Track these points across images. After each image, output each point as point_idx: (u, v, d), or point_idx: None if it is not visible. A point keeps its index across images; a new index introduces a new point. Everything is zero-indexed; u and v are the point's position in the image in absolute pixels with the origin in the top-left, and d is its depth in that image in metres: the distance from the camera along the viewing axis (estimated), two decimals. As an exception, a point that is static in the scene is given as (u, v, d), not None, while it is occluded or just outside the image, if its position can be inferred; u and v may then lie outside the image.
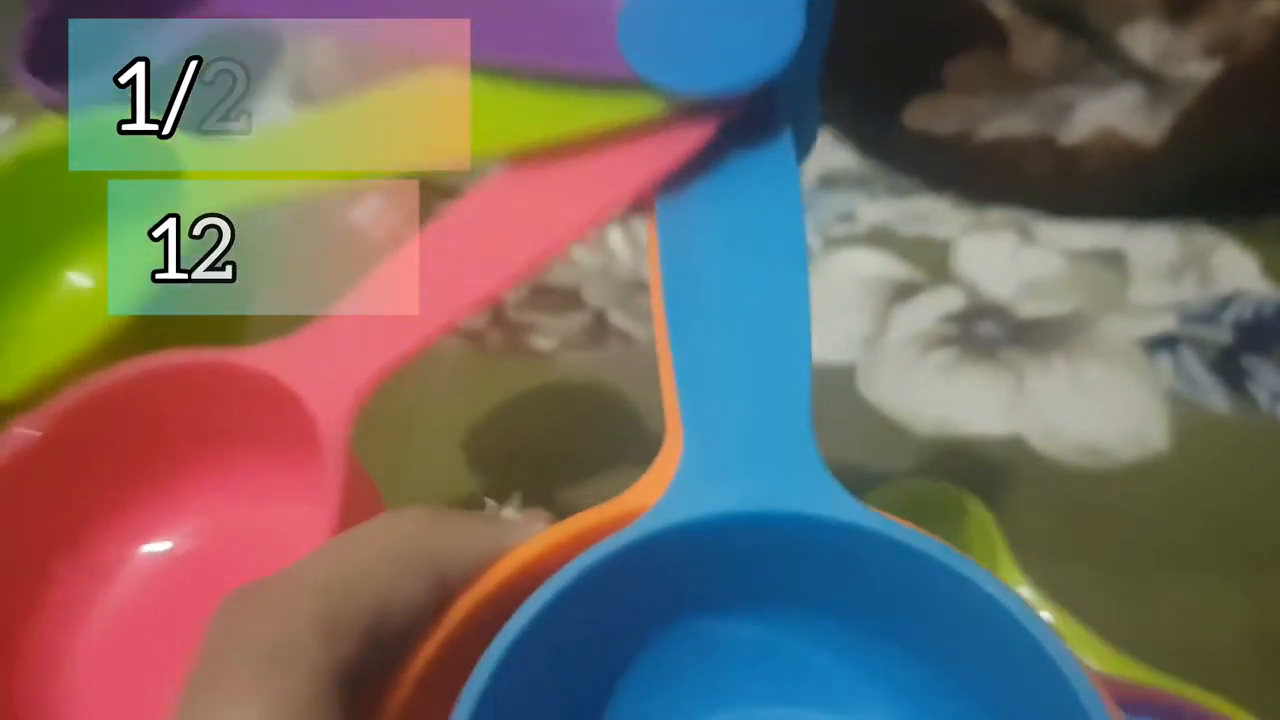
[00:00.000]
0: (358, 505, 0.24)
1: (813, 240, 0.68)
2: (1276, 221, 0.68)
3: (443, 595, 0.21)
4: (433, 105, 0.25)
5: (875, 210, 0.71)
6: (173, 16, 0.33)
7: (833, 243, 0.67)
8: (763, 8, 0.23)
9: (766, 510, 0.19)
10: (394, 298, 0.25)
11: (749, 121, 0.24)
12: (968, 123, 0.79)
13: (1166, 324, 0.58)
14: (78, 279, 0.33)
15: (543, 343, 0.60)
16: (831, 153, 0.79)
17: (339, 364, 0.25)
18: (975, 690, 0.20)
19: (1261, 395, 0.54)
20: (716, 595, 0.20)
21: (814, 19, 0.24)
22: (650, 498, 0.20)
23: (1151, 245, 0.66)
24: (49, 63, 0.32)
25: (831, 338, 0.60)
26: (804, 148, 0.26)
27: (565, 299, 0.63)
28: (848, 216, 0.71)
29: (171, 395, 0.27)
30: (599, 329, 0.61)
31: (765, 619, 0.21)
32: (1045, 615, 0.41)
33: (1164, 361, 0.56)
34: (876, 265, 0.65)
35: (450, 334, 0.61)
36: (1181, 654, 0.40)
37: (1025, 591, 0.41)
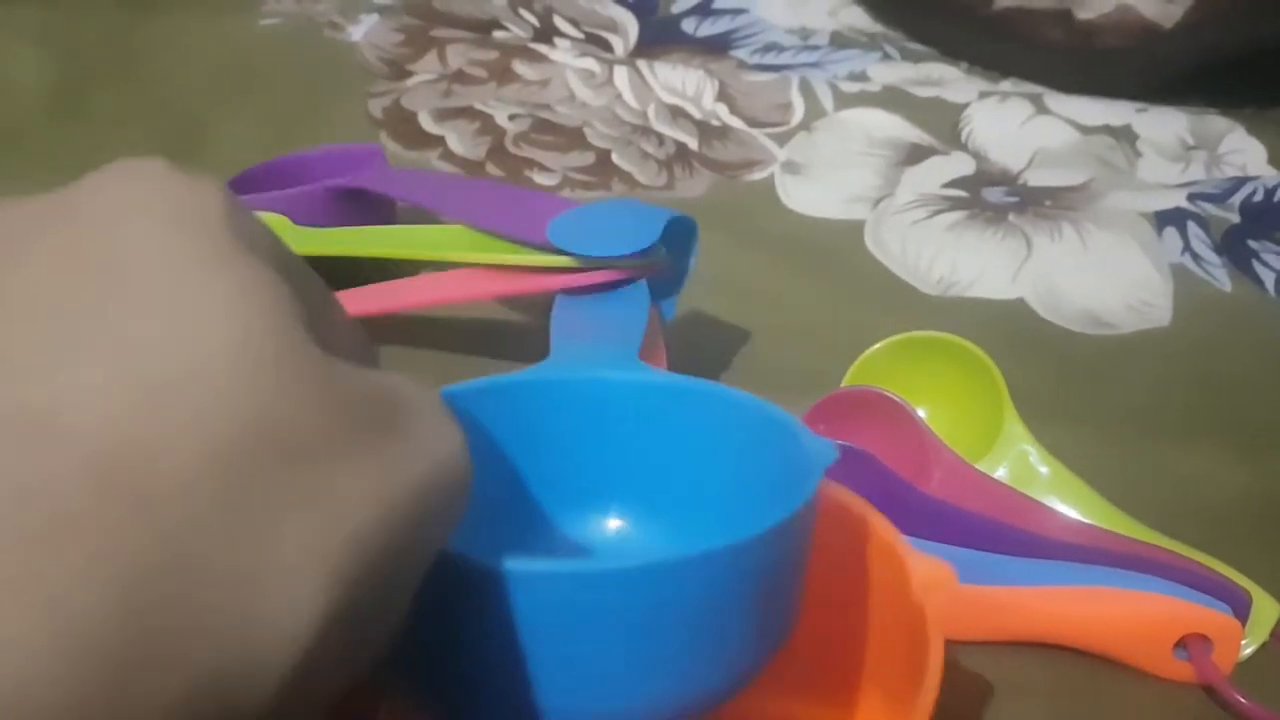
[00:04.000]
0: None
1: (824, 96, 0.66)
2: (1287, 111, 0.67)
3: None
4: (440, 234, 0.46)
5: (888, 72, 0.69)
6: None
7: (844, 100, 0.66)
8: (634, 228, 0.40)
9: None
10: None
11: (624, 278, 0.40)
12: (985, -10, 0.76)
13: (1176, 200, 0.58)
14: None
15: (543, 179, 0.59)
16: (844, 12, 0.77)
17: None
18: (719, 474, 0.29)
19: (1267, 276, 0.54)
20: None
21: (673, 249, 0.42)
22: None
23: (1162, 125, 0.65)
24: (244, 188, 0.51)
25: (841, 194, 0.59)
26: (670, 304, 0.44)
27: (568, 137, 0.62)
28: (860, 76, 0.69)
29: None
30: (602, 169, 0.60)
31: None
32: (1045, 469, 0.41)
33: (1172, 237, 0.56)
34: (888, 126, 0.64)
35: (446, 163, 0.60)
36: (1177, 514, 0.40)
37: (1028, 446, 0.42)
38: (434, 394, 0.20)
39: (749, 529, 0.23)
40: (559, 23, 0.73)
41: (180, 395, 0.15)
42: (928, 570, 0.28)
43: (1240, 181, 0.60)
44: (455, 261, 0.43)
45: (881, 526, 0.29)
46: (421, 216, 0.48)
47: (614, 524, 0.31)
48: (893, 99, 0.66)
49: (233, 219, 0.17)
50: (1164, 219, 0.57)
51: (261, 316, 0.16)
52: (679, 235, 0.42)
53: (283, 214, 0.46)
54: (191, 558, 0.14)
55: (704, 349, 0.48)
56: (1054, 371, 0.48)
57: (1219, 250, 0.55)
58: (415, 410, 0.19)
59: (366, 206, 0.50)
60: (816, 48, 0.72)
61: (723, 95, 0.66)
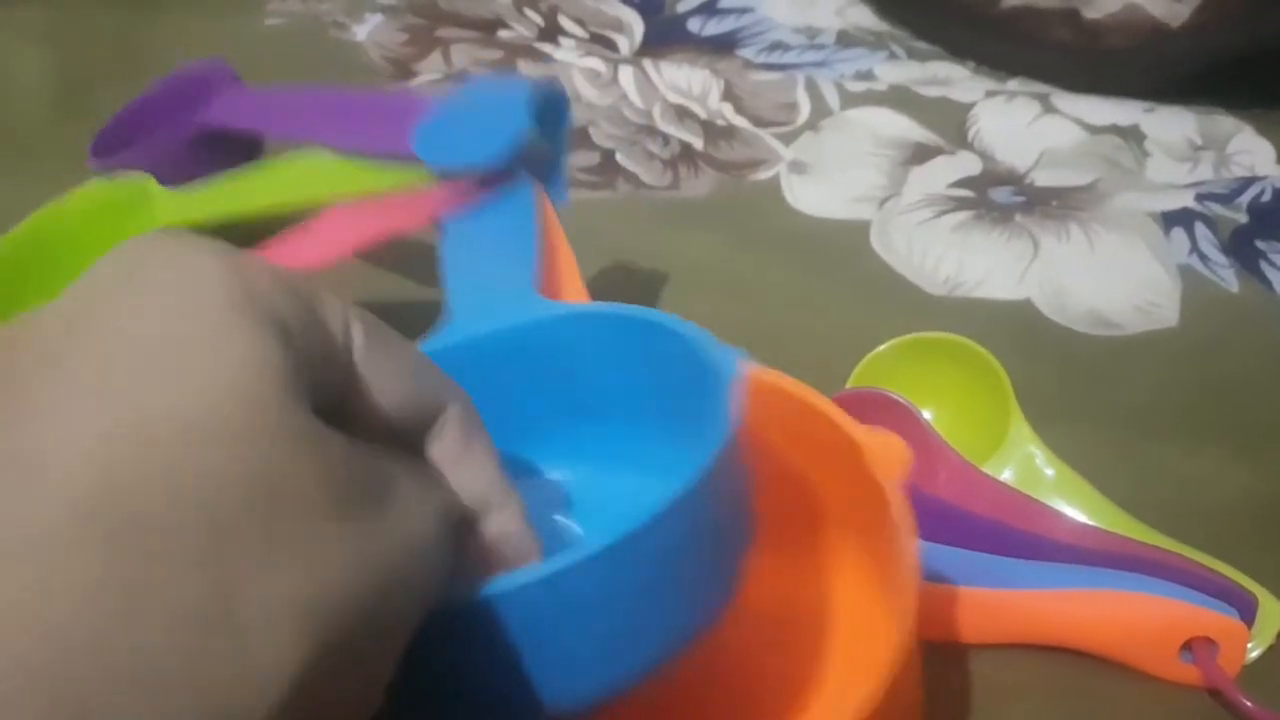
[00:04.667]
0: None
1: (830, 96, 0.66)
2: (1295, 112, 0.67)
3: None
4: (306, 171, 0.42)
5: (895, 71, 0.69)
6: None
7: (850, 99, 0.66)
8: (497, 125, 0.38)
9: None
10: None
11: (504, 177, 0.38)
12: (992, -11, 0.76)
13: (1183, 201, 0.58)
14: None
15: (549, 179, 0.59)
16: (850, 11, 0.77)
17: None
18: (653, 405, 0.29)
19: (1274, 276, 0.53)
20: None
21: (546, 126, 0.39)
22: None
23: (1170, 125, 0.65)
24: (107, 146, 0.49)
25: (846, 194, 0.58)
26: (558, 187, 0.41)
27: (574, 136, 0.61)
28: (866, 75, 0.69)
29: None
30: (607, 168, 0.60)
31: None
32: (1050, 471, 0.41)
33: (1179, 237, 0.55)
34: (894, 125, 0.64)
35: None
36: (1182, 516, 0.40)
37: (1034, 448, 0.42)
38: (423, 469, 0.21)
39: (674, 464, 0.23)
40: (564, 22, 0.73)
41: (167, 450, 0.15)
42: (878, 443, 0.30)
43: (1248, 182, 0.59)
44: (327, 199, 0.40)
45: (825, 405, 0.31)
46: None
47: (554, 475, 0.31)
48: (899, 98, 0.66)
49: (234, 286, 0.18)
50: (1171, 219, 0.56)
51: (253, 382, 0.17)
52: (549, 111, 0.40)
53: (147, 172, 0.44)
54: (173, 604, 0.15)
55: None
56: (1060, 372, 0.48)
57: (1226, 251, 0.55)
58: (399, 489, 0.19)
59: (230, 144, 0.47)
60: (823, 47, 0.72)
61: (728, 94, 0.66)
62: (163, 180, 0.44)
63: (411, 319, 0.42)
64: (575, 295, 0.37)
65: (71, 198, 0.45)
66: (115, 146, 0.49)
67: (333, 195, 0.40)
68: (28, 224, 0.44)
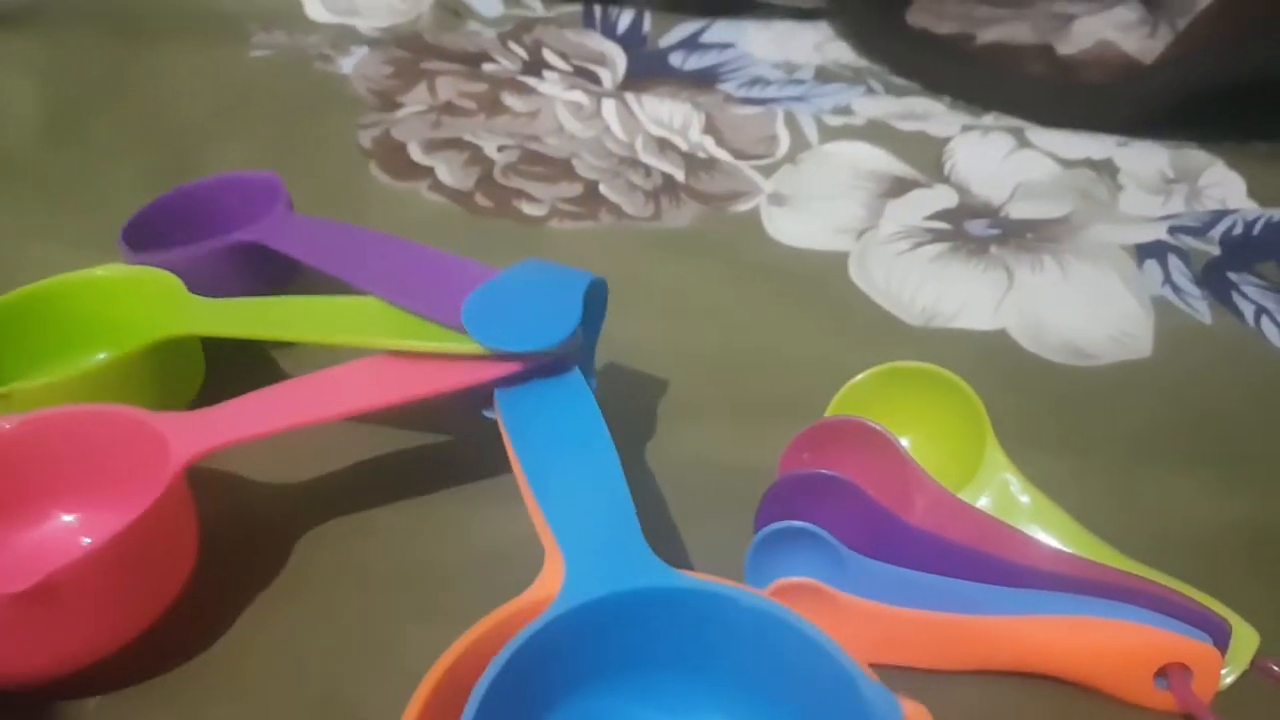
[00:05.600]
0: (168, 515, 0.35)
1: (809, 129, 0.67)
2: (1265, 145, 0.68)
3: None
4: (353, 314, 0.42)
5: (873, 105, 0.70)
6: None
7: (829, 133, 0.67)
8: (553, 311, 0.38)
9: (624, 589, 0.30)
10: (277, 403, 0.38)
11: (553, 365, 0.39)
12: (968, 26, 0.78)
13: (1157, 233, 0.58)
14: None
15: (532, 209, 0.59)
16: (829, 47, 0.78)
17: (209, 423, 0.37)
18: (787, 701, 0.29)
19: (1246, 308, 0.54)
20: (601, 667, 0.30)
21: (588, 319, 0.40)
22: (545, 595, 0.30)
23: (1143, 159, 0.66)
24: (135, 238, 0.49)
25: (825, 225, 0.59)
26: (588, 372, 0.41)
27: (557, 168, 0.62)
28: (844, 110, 0.70)
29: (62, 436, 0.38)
30: (590, 199, 0.60)
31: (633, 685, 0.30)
32: (1026, 499, 0.42)
33: (1152, 269, 0.56)
34: (872, 159, 0.65)
35: (436, 194, 0.60)
36: (1157, 544, 0.41)
37: (1009, 475, 0.42)
38: None
39: None
40: (548, 55, 0.74)
41: None
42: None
43: (1220, 215, 0.61)
44: (364, 346, 0.40)
45: None
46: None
47: None
48: (877, 132, 0.67)
49: None
50: (1145, 251, 0.57)
51: None
52: (592, 301, 0.41)
53: (178, 274, 0.44)
54: None
55: (689, 377, 0.48)
56: (1036, 402, 0.48)
57: (1199, 283, 0.56)
58: None
59: (267, 261, 0.47)
60: (802, 82, 0.73)
61: (709, 128, 0.67)
62: (192, 286, 0.44)
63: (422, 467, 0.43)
64: None
65: (107, 269, 0.46)
66: (148, 237, 0.49)
67: (374, 344, 0.40)
68: (54, 281, 0.45)
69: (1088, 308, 0.54)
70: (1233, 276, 0.56)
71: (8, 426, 0.37)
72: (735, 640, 0.30)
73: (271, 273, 0.48)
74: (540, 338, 0.37)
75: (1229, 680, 0.36)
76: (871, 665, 0.28)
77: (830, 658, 0.28)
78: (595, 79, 0.72)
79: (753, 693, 0.30)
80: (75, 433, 0.38)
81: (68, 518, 0.38)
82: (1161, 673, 0.35)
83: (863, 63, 0.76)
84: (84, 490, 0.38)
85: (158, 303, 0.44)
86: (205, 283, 0.44)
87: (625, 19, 0.78)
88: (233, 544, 0.39)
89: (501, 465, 0.37)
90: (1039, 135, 0.67)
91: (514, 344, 0.37)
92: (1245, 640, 0.37)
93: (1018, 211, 0.61)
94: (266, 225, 0.48)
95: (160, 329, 0.42)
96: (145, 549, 0.34)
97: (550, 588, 0.30)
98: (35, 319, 0.45)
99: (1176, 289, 0.55)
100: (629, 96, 0.69)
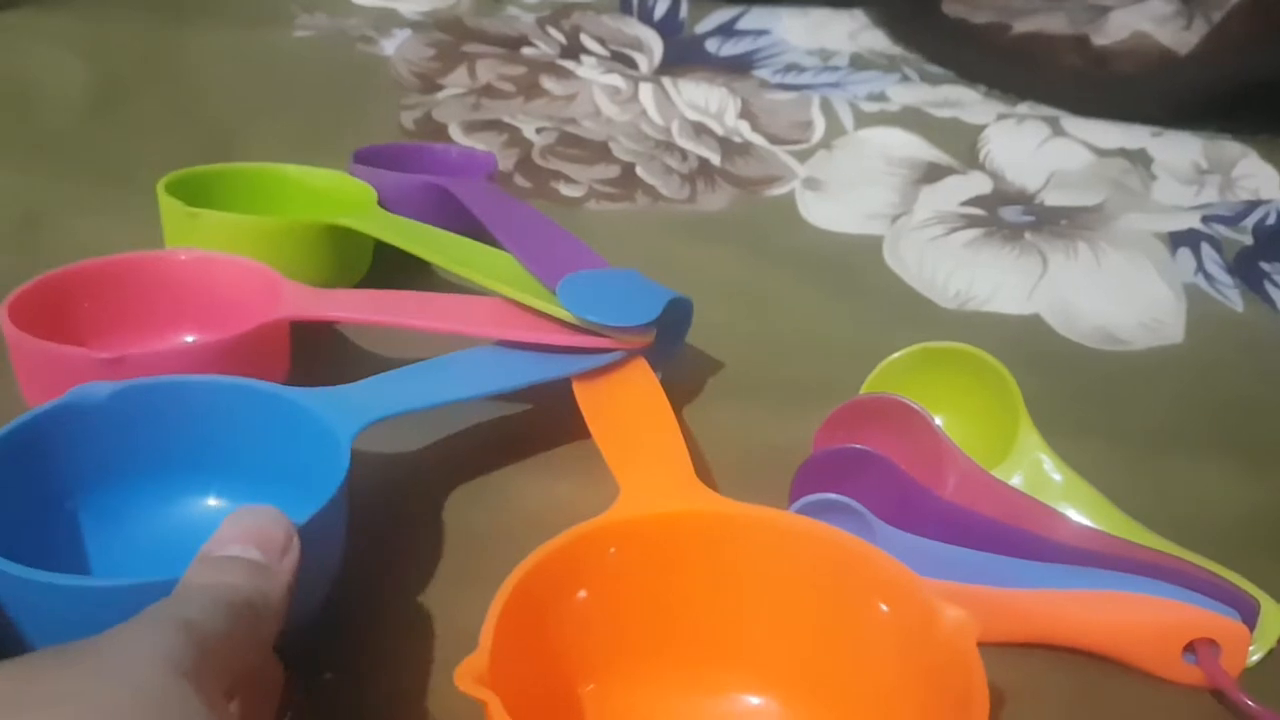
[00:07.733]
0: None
1: (844, 115, 0.68)
2: (1300, 138, 0.68)
3: None
4: (494, 261, 0.48)
5: (907, 93, 0.71)
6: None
7: (864, 119, 0.67)
8: (633, 306, 0.43)
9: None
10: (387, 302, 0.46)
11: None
12: (1004, 16, 0.78)
13: (1189, 222, 0.59)
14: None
15: (569, 190, 0.60)
16: (864, 35, 0.78)
17: (321, 295, 0.44)
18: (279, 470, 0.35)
19: (1278, 297, 0.54)
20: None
21: (665, 329, 0.45)
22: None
23: (1177, 149, 0.66)
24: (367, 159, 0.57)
25: (860, 210, 0.60)
26: (674, 349, 0.48)
27: (594, 150, 0.63)
28: (879, 96, 0.70)
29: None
30: (626, 181, 0.61)
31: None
32: (1058, 477, 0.42)
33: (1185, 257, 0.56)
34: (906, 145, 0.65)
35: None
36: (1186, 527, 0.41)
37: (1043, 454, 0.42)
38: None
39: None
40: (586, 41, 0.75)
41: None
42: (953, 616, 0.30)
43: (1253, 205, 0.61)
44: (485, 287, 0.46)
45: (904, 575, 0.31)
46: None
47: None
48: (911, 119, 0.67)
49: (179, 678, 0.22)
50: (1178, 240, 0.58)
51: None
52: (676, 317, 0.46)
53: (383, 194, 0.53)
54: None
55: (724, 357, 0.49)
56: (1068, 386, 0.49)
57: (1232, 271, 0.56)
58: None
59: (451, 208, 0.53)
60: (837, 69, 0.74)
61: (745, 113, 0.67)
62: (389, 205, 0.52)
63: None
64: None
65: (321, 170, 0.55)
66: (375, 162, 0.57)
67: (494, 288, 0.45)
68: (276, 166, 0.54)
69: (1120, 294, 0.54)
70: (1265, 266, 0.56)
71: (183, 257, 0.45)
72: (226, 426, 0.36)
73: (445, 221, 0.53)
74: (614, 317, 0.43)
75: (1256, 658, 0.37)
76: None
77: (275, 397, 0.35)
78: (632, 64, 0.73)
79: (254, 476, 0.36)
80: (219, 276, 0.45)
81: (189, 339, 0.46)
82: (1190, 648, 0.36)
83: (897, 51, 0.77)
84: (206, 321, 0.45)
85: (348, 201, 0.53)
86: (400, 207, 0.52)
87: (662, 5, 0.79)
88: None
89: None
90: (1073, 124, 0.67)
91: (589, 314, 0.43)
92: (1272, 620, 0.38)
93: (1052, 199, 0.61)
94: (464, 183, 0.55)
95: (338, 216, 0.50)
96: (228, 366, 0.39)
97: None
98: (259, 189, 0.53)
99: (1209, 277, 0.56)
100: (665, 81, 0.69)
